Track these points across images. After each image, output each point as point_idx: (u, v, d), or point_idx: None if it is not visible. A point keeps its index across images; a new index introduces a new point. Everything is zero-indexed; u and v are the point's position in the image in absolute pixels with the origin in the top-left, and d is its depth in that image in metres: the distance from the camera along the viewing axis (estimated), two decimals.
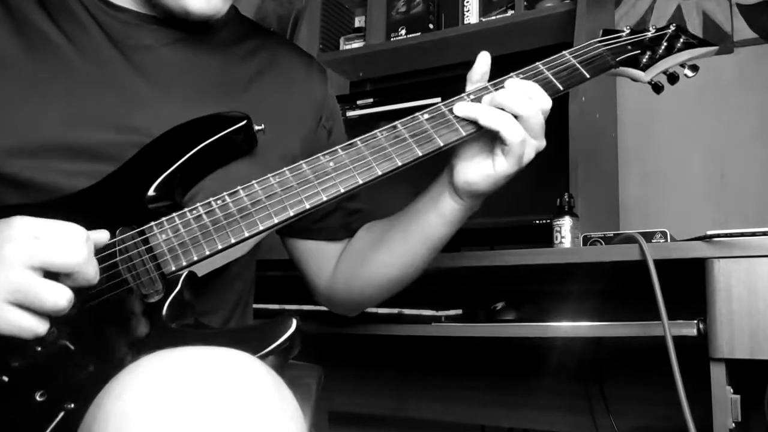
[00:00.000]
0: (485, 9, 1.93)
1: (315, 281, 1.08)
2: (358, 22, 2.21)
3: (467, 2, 1.96)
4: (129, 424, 0.57)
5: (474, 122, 0.87)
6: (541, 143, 0.89)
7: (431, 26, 2.02)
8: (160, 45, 0.93)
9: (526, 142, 0.86)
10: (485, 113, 0.86)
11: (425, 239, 0.96)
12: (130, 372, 0.62)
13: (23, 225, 0.68)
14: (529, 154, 0.88)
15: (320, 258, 1.06)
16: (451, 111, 0.88)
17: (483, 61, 0.91)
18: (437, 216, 0.94)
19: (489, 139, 0.90)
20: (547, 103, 0.87)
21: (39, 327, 0.68)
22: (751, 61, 1.75)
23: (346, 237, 1.07)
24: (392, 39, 2.05)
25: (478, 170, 0.90)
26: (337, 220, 1.05)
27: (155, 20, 0.93)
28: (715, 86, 1.74)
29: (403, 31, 2.03)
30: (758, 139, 1.72)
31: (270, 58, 1.02)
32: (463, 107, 0.87)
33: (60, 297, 0.67)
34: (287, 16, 2.24)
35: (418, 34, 2.00)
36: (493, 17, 1.90)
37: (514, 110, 0.85)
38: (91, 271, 0.70)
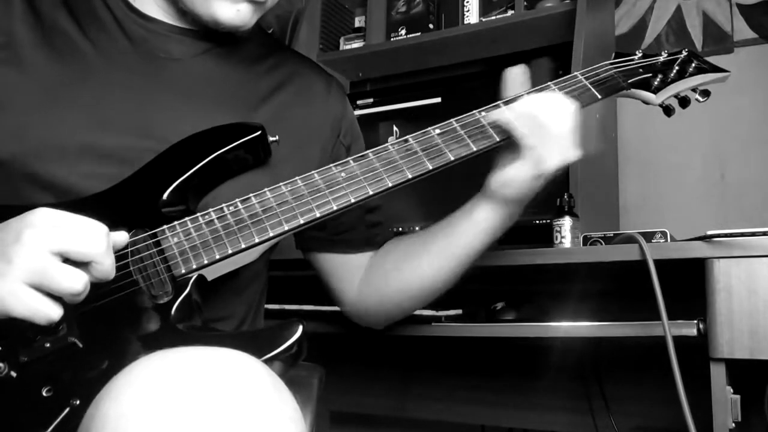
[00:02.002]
0: (485, 9, 1.93)
1: (342, 294, 1.09)
2: (358, 22, 2.21)
3: (467, 2, 1.96)
4: (126, 425, 0.57)
5: (487, 137, 0.89)
6: (568, 154, 0.90)
7: (431, 26, 2.02)
8: (185, 56, 0.94)
9: (537, 147, 0.88)
10: (511, 117, 0.88)
11: (457, 249, 0.97)
12: (128, 373, 0.62)
13: (44, 213, 0.70)
14: (551, 162, 0.89)
15: (345, 270, 1.07)
16: (462, 127, 0.89)
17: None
18: (470, 224, 0.96)
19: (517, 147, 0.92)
20: (566, 109, 0.89)
21: (53, 311, 0.68)
22: (750, 61, 1.75)
23: (369, 249, 1.07)
24: (392, 39, 2.05)
25: (507, 174, 0.92)
26: (359, 233, 1.06)
27: (183, 31, 0.95)
28: (714, 86, 1.73)
29: (403, 31, 2.03)
30: (758, 139, 1.72)
31: (291, 74, 1.03)
32: (493, 114, 0.90)
33: (76, 282, 0.68)
34: (287, 16, 2.23)
35: (418, 34, 2.00)
36: (493, 17, 1.90)
37: (531, 112, 0.88)
38: (107, 263, 0.71)
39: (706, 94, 1.01)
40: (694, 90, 1.02)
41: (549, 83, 0.94)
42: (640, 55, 1.01)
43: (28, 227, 0.68)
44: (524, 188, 0.92)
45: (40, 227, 0.68)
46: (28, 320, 0.68)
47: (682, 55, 1.02)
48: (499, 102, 0.91)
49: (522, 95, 0.92)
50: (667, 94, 0.99)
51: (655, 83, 0.98)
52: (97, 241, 0.70)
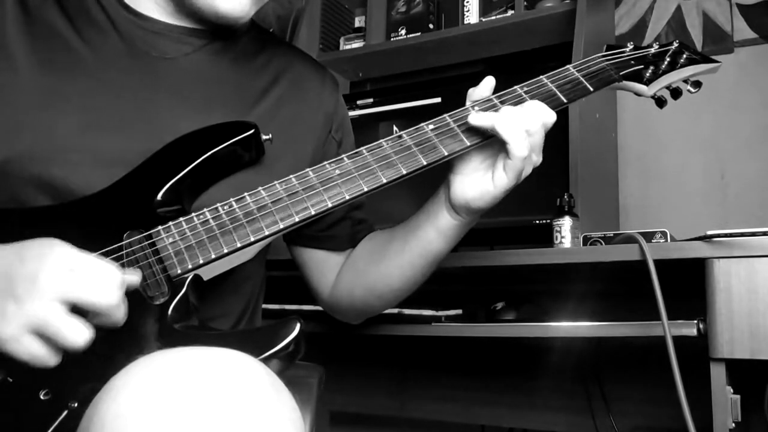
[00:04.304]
0: (485, 9, 1.93)
1: (318, 289, 1.09)
2: (358, 22, 2.21)
3: (467, 2, 1.96)
4: (124, 425, 0.57)
5: (480, 133, 0.87)
6: (539, 159, 0.89)
7: (431, 26, 2.02)
8: (179, 55, 0.93)
9: (528, 158, 0.86)
10: (502, 121, 0.85)
11: (424, 253, 0.97)
12: (126, 373, 0.62)
13: (61, 255, 0.69)
14: (527, 170, 0.88)
15: (324, 267, 1.07)
16: (455, 121, 0.88)
17: (486, 86, 0.91)
18: (435, 232, 0.95)
19: (488, 154, 0.90)
20: (551, 118, 0.87)
21: (50, 360, 0.69)
22: (751, 61, 1.75)
23: (349, 247, 1.08)
24: (392, 39, 2.05)
25: (477, 186, 0.90)
26: (344, 229, 1.06)
27: (176, 29, 0.94)
28: (715, 86, 1.74)
29: (403, 31, 2.03)
30: (758, 139, 1.72)
31: (285, 68, 1.03)
32: (479, 117, 0.87)
33: (79, 337, 0.68)
34: (287, 16, 2.24)
35: (418, 34, 2.00)
36: (493, 17, 1.90)
37: (523, 125, 0.85)
38: (119, 315, 0.71)
39: (697, 85, 1.00)
40: (685, 81, 1.01)
41: (541, 77, 0.93)
42: (631, 47, 1.00)
43: (43, 270, 0.68)
44: (498, 199, 0.90)
45: (55, 272, 0.68)
46: (26, 364, 0.68)
47: (673, 47, 1.02)
48: (492, 97, 0.90)
49: (515, 91, 0.91)
50: (659, 86, 0.98)
51: (647, 75, 0.97)
52: (110, 293, 0.69)
